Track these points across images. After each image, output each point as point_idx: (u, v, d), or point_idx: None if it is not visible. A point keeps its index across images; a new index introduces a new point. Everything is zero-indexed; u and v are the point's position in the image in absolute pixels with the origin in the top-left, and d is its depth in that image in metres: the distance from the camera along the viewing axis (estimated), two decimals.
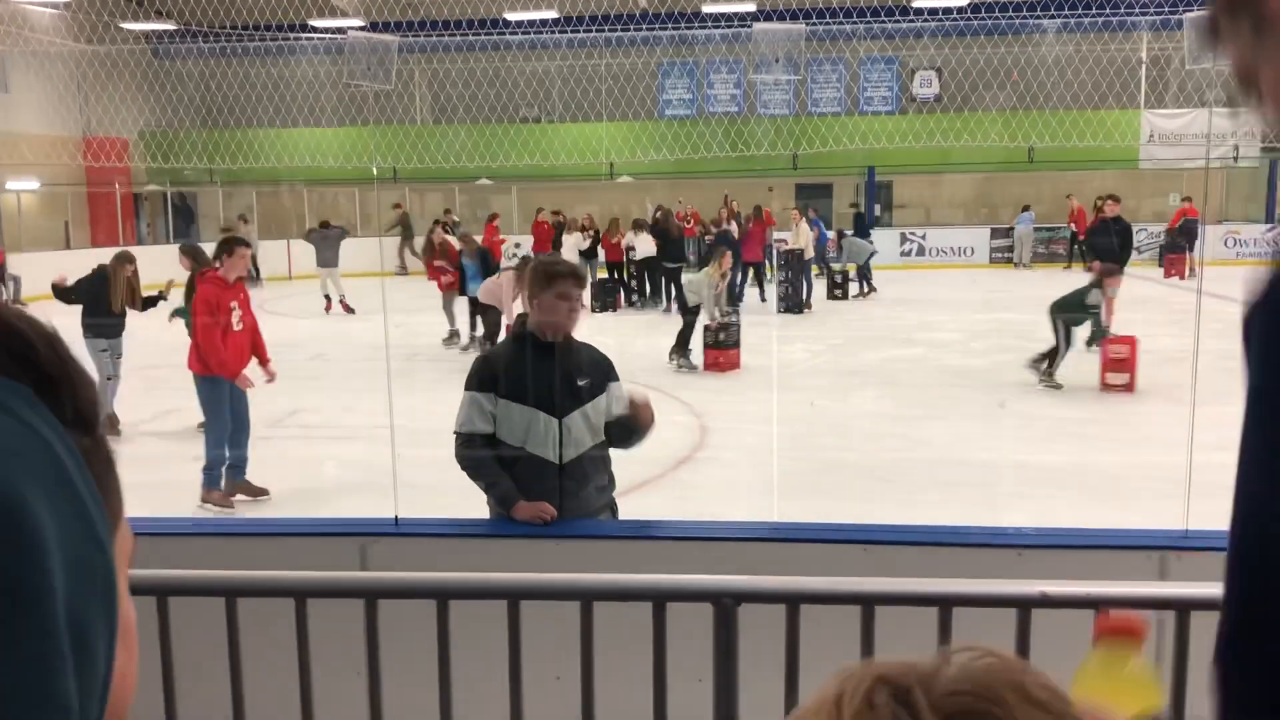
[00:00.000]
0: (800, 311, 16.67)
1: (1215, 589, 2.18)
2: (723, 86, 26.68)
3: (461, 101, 26.31)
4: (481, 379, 3.66)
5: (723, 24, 22.29)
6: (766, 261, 18.79)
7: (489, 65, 25.90)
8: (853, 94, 26.75)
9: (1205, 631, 2.13)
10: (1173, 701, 2.12)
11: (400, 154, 23.53)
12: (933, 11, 23.48)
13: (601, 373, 3.69)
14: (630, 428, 3.69)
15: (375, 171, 25.01)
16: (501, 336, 10.41)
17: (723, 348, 11.97)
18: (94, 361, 9.12)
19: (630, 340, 13.79)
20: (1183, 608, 2.12)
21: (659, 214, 19.37)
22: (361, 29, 21.32)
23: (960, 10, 23.29)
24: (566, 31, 22.67)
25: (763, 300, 17.98)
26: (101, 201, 25.25)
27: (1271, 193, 26.70)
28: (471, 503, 3.79)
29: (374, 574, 2.82)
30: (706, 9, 24.36)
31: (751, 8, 23.35)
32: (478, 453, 3.63)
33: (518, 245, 20.39)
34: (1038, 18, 20.43)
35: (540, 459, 3.57)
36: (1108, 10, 19.04)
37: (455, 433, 3.65)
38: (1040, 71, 23.35)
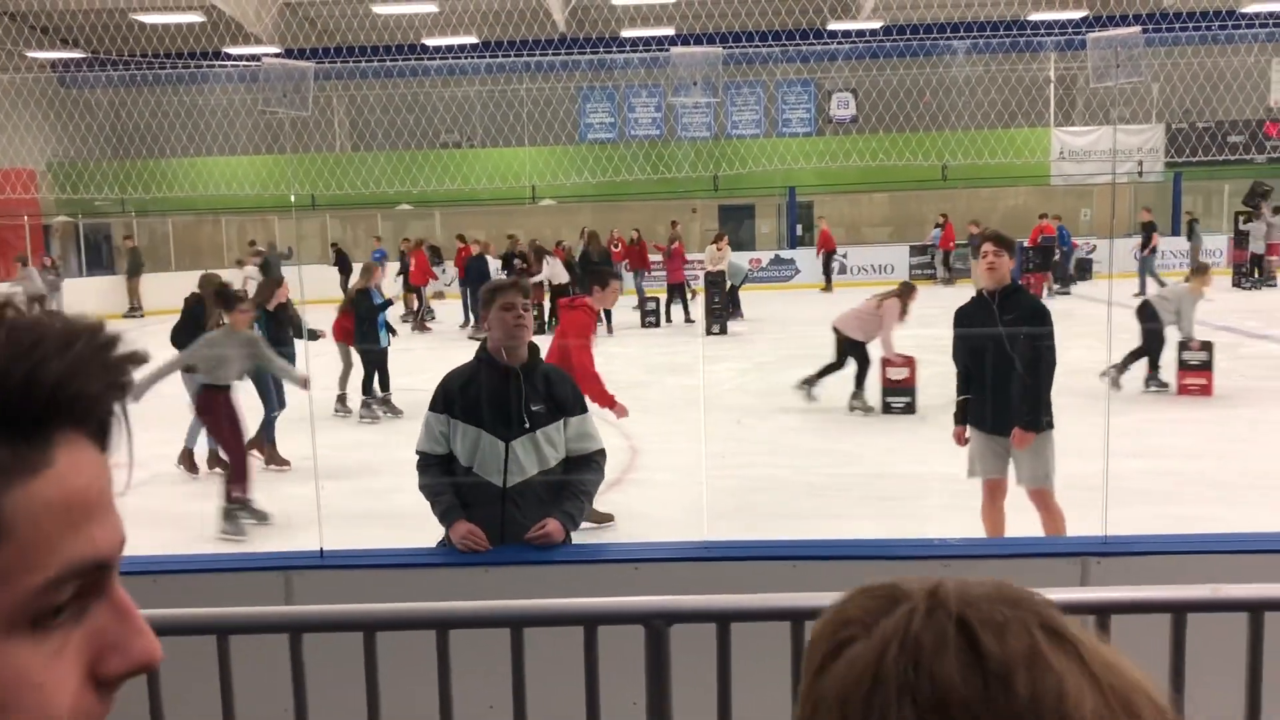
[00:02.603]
0: (725, 331, 16.80)
1: (1134, 592, 2.24)
2: (643, 110, 26.89)
3: (380, 127, 26.14)
4: (436, 399, 3.68)
5: (641, 48, 22.48)
6: (687, 284, 18.87)
7: (408, 91, 25.76)
8: (771, 116, 27.14)
9: (1125, 634, 2.19)
10: None
11: (319, 181, 23.27)
12: (847, 34, 23.94)
13: (561, 402, 3.66)
14: (579, 468, 3.69)
15: (294, 199, 24.70)
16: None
17: None
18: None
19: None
20: (1103, 611, 2.16)
21: (585, 239, 19.43)
22: (277, 56, 21.07)
23: (874, 33, 23.78)
24: (485, 56, 22.67)
25: (688, 321, 18.09)
26: (8, 234, 24.54)
27: (1177, 206, 27.62)
28: (398, 533, 3.75)
29: (298, 608, 2.77)
30: (626, 34, 24.55)
31: (670, 31, 23.58)
32: (427, 473, 3.66)
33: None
34: (948, 39, 20.95)
35: (485, 482, 3.56)
36: (1015, 31, 19.59)
37: (416, 452, 3.69)
38: (952, 92, 23.93)
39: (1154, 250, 20.53)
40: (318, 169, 23.85)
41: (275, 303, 9.45)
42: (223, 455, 7.73)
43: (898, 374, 10.45)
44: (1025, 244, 23.31)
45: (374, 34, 25.42)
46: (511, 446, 3.56)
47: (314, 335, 9.99)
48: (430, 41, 23.89)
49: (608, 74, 26.13)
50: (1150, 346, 10.93)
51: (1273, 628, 2.12)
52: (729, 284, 17.95)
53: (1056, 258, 21.45)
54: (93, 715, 0.60)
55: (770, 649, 2.13)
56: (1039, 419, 5.23)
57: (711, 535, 3.70)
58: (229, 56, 21.52)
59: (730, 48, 19.27)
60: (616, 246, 20.77)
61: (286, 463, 8.87)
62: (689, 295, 18.84)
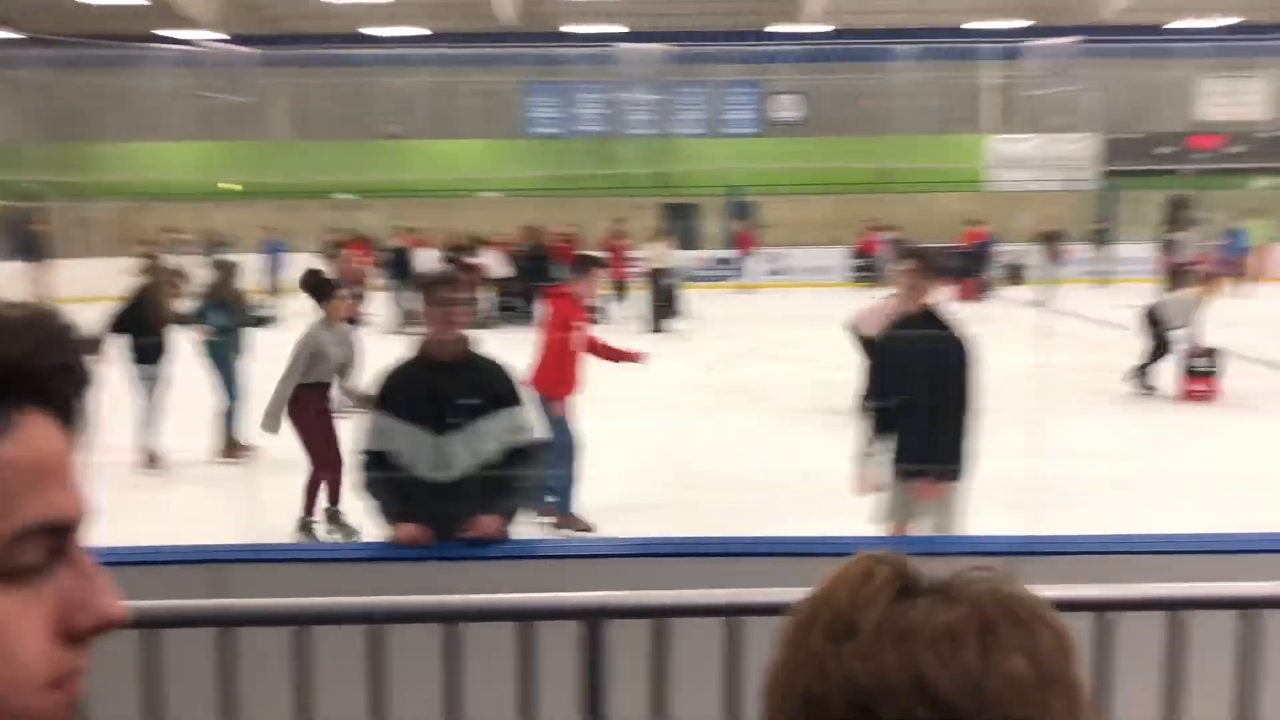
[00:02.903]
0: (666, 330, 16.85)
1: (1058, 591, 2.29)
2: (589, 106, 26.86)
3: (319, 116, 25.80)
4: (373, 397, 3.68)
5: (584, 44, 22.48)
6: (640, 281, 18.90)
7: (352, 81, 25.47)
8: (715, 116, 27.25)
9: None
10: None
11: (258, 169, 22.91)
12: (791, 36, 24.15)
13: (496, 394, 3.63)
14: (518, 459, 3.68)
15: (233, 187, 24.29)
16: None
17: None
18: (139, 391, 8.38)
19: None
20: None
21: (528, 234, 19.37)
22: (218, 42, 20.72)
23: (818, 36, 24.01)
24: (429, 47, 22.50)
25: (627, 319, 18.12)
26: None
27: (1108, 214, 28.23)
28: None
29: (228, 601, 2.73)
30: (573, 29, 24.51)
31: (618, 29, 23.60)
32: (366, 471, 3.64)
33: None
34: (890, 45, 21.21)
35: (421, 479, 3.55)
36: (955, 39, 19.92)
37: (355, 451, 3.70)
38: (892, 97, 24.22)
39: (1057, 255, 20.81)
40: (256, 157, 23.48)
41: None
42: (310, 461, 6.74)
43: None
44: (955, 247, 23.68)
45: (319, 22, 25.09)
46: (445, 441, 3.54)
47: (265, 321, 9.84)
48: (375, 31, 23.65)
49: (554, 69, 26.06)
50: (1157, 351, 10.97)
51: (1192, 626, 2.18)
52: (670, 282, 18.01)
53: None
54: (63, 667, 0.67)
55: (706, 646, 2.15)
56: (950, 467, 4.63)
57: (651, 531, 3.72)
58: (168, 40, 21.11)
59: (675, 46, 19.34)
60: (567, 243, 20.68)
61: (247, 449, 8.68)
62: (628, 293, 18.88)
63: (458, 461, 3.56)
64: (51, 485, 0.65)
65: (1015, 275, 24.03)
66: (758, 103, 27.65)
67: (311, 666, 2.22)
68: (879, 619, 0.71)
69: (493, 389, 3.64)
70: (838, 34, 23.89)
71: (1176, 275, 22.80)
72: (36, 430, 0.65)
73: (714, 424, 10.31)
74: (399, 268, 17.62)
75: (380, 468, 3.63)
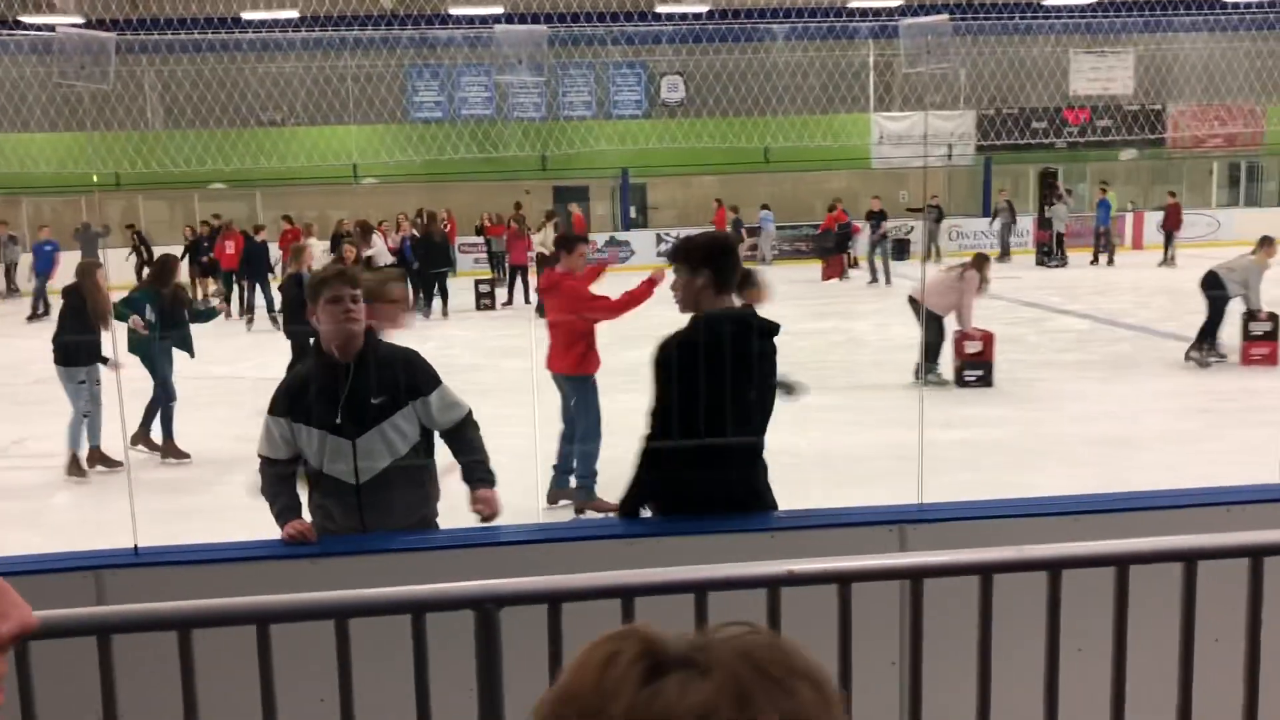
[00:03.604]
0: None
1: (943, 556, 2.35)
2: (473, 89, 26.52)
3: (191, 103, 24.92)
4: (275, 402, 3.56)
5: (465, 25, 22.16)
6: (531, 266, 18.83)
7: (227, 67, 24.66)
8: (603, 98, 27.19)
9: (938, 596, 2.30)
10: (910, 661, 2.27)
11: (125, 159, 22.03)
12: (671, 17, 24.18)
13: (404, 385, 3.54)
14: (461, 438, 3.64)
15: (96, 179, 23.33)
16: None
17: None
18: (70, 394, 8.04)
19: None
20: (916, 575, 2.27)
21: (420, 219, 19.12)
22: (78, 26, 19.81)
23: (698, 16, 24.09)
24: (301, 30, 21.89)
25: (527, 302, 18.01)
26: None
27: (987, 188, 29.07)
28: (229, 526, 3.62)
29: (105, 608, 2.63)
30: (454, 10, 24.12)
31: (499, 10, 23.30)
32: (264, 477, 3.56)
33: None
34: (768, 24, 21.39)
35: (338, 480, 3.49)
36: (832, 18, 20.21)
37: (257, 455, 3.60)
38: (775, 77, 24.47)
39: (884, 237, 21.31)
40: (123, 147, 22.57)
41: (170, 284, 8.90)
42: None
43: (974, 347, 10.44)
44: (819, 230, 24.22)
45: (188, 6, 24.19)
46: (358, 444, 3.47)
47: (210, 315, 9.48)
48: (248, 15, 22.91)
49: (436, 52, 25.64)
50: (1214, 317, 11.06)
51: (1069, 584, 2.26)
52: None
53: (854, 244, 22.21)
54: None
55: (602, 628, 2.15)
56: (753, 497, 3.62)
57: (549, 518, 3.70)
58: (23, 25, 20.12)
59: (557, 27, 19.19)
60: (446, 227, 20.49)
61: (186, 455, 8.59)
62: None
63: (375, 461, 3.49)
64: None
65: (900, 250, 24.66)
66: (644, 84, 27.68)
67: (194, 671, 2.15)
68: (628, 708, 0.67)
69: (402, 381, 3.55)
70: (719, 13, 24.01)
71: (1059, 245, 23.72)
72: None
73: (614, 405, 10.32)
74: (256, 261, 17.10)
75: (279, 474, 3.56)
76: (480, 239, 23.33)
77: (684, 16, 23.92)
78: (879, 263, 20.65)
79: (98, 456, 8.27)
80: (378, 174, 25.55)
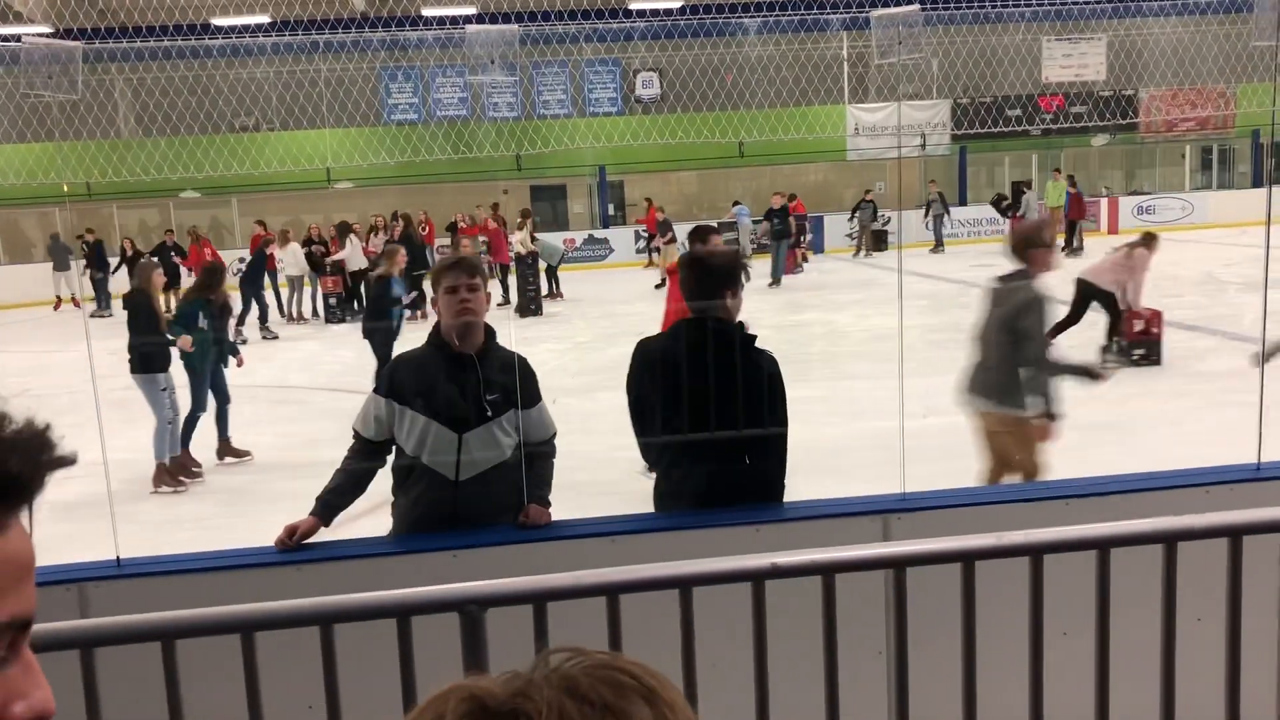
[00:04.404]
0: (540, 313, 16.77)
1: (926, 545, 2.37)
2: (448, 90, 26.44)
3: (162, 111, 24.76)
4: (383, 382, 3.50)
5: (437, 27, 22.07)
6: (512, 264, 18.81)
7: (197, 74, 24.51)
8: (578, 96, 27.16)
9: (921, 584, 2.31)
10: (895, 649, 2.28)
11: (96, 168, 21.87)
12: (643, 14, 24.17)
13: (519, 389, 3.49)
14: (538, 455, 3.58)
15: (66, 189, 23.14)
16: None
17: None
18: (151, 402, 7.96)
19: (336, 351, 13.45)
20: (899, 565, 2.28)
21: (395, 221, 19.06)
22: (45, 36, 19.65)
23: (670, 12, 24.09)
24: (272, 35, 21.77)
25: (505, 303, 17.98)
26: None
27: (963, 177, 29.19)
28: (214, 534, 3.60)
29: (90, 621, 2.61)
30: (427, 12, 24.04)
31: (471, 10, 23.23)
32: (352, 456, 3.52)
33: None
34: (739, 18, 21.39)
35: (436, 473, 3.41)
36: (804, 11, 20.20)
37: (352, 429, 3.54)
38: (745, 70, 24.50)
39: (783, 234, 21.08)
40: (91, 155, 22.40)
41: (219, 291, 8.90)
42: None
43: (1142, 325, 10.63)
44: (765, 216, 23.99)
45: (158, 13, 24.02)
46: (465, 438, 3.39)
47: (235, 350, 9.46)
48: (218, 21, 22.76)
49: (409, 54, 25.55)
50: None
51: (1051, 569, 2.27)
52: (545, 264, 17.95)
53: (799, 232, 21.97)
54: None
55: (588, 627, 2.15)
56: None
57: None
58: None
59: (529, 26, 19.15)
60: (424, 229, 20.44)
61: (247, 453, 8.77)
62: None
63: (479, 459, 3.42)
64: (27, 581, 0.72)
65: (879, 241, 24.75)
66: (620, 81, 27.67)
67: (178, 682, 2.14)
68: None
69: (512, 384, 3.47)
70: (692, 9, 24.02)
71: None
72: (18, 530, 0.71)
73: (594, 405, 10.31)
74: (255, 270, 17.00)
75: (365, 456, 3.52)
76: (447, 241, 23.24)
77: (656, 13, 23.92)
78: (783, 256, 20.04)
79: (178, 466, 8.24)
80: (352, 177, 25.44)
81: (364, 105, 26.03)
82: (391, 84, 26.53)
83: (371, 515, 3.99)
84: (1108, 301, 10.68)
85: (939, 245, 24.23)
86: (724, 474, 3.56)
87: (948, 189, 29.56)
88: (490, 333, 3.56)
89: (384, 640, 2.20)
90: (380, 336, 10.27)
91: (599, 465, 7.98)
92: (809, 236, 23.33)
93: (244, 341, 13.23)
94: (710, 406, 3.51)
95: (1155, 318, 10.77)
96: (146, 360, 8.01)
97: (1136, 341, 10.74)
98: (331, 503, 3.40)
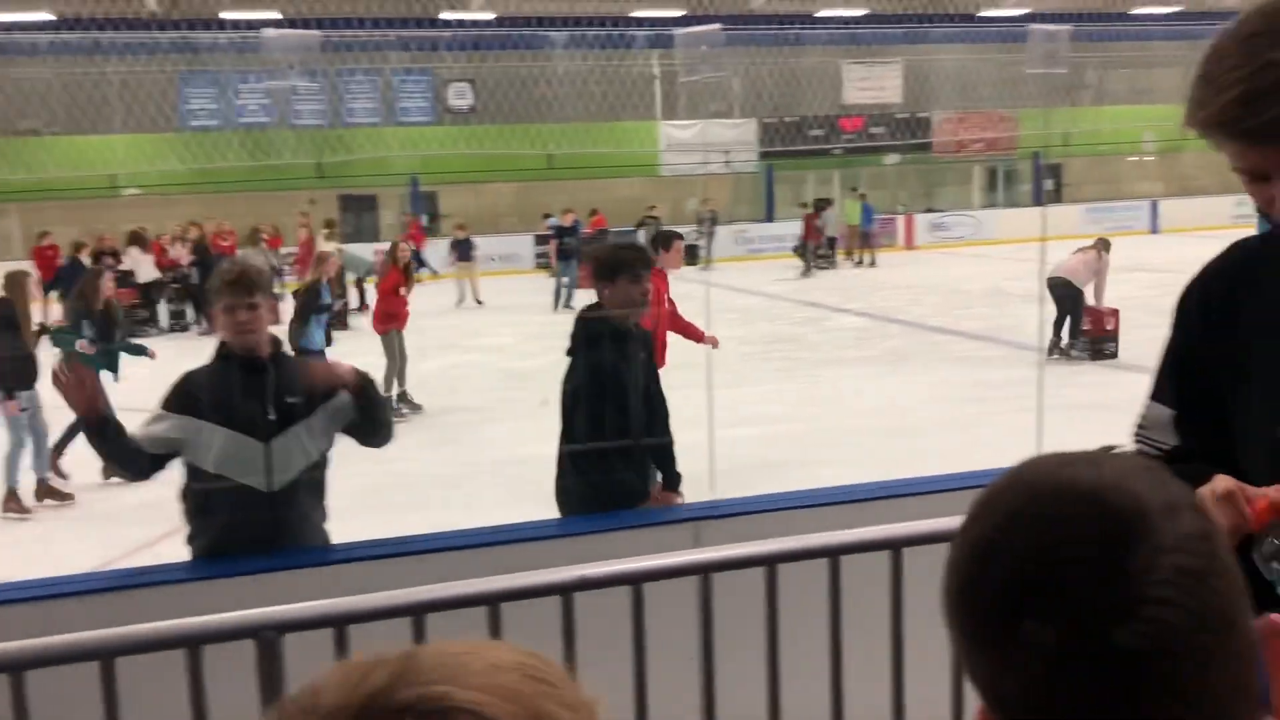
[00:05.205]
0: (346, 326, 16.32)
1: (732, 550, 2.41)
2: (251, 96, 25.47)
3: None
4: (172, 400, 3.29)
5: (233, 30, 21.25)
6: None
7: None
8: (389, 105, 26.66)
9: (728, 588, 2.35)
10: (701, 653, 2.31)
11: None
12: (452, 24, 23.91)
13: (319, 390, 3.38)
14: (369, 419, 3.44)
15: None
16: None
17: None
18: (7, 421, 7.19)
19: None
20: (704, 571, 2.31)
21: (194, 232, 18.28)
22: None
23: (479, 23, 23.93)
24: (56, 34, 20.49)
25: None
26: None
27: (770, 194, 30.14)
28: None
29: None
30: (226, 15, 23.10)
31: (274, 15, 22.47)
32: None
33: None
34: (546, 31, 21.47)
35: (246, 489, 3.23)
36: (609, 26, 20.42)
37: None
38: (554, 84, 24.61)
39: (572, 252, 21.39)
40: None
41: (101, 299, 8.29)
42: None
43: (1113, 323, 11.22)
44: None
45: None
46: (271, 446, 3.25)
47: (142, 351, 8.69)
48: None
49: (207, 58, 24.48)
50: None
51: (848, 569, 2.36)
52: (353, 276, 17.51)
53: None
54: None
55: (392, 648, 2.09)
56: None
57: (338, 538, 3.58)
58: None
59: (333, 33, 18.67)
60: (226, 240, 19.59)
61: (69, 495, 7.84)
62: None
63: (290, 465, 3.28)
64: None
65: (693, 256, 25.20)
66: (432, 91, 27.30)
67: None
68: None
69: (308, 386, 3.38)
70: (503, 21, 23.93)
71: (829, 248, 24.82)
72: None
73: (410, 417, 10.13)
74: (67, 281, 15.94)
75: (194, 478, 3.30)
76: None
77: (465, 23, 23.72)
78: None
79: (45, 490, 7.58)
80: (145, 185, 24.10)
81: (160, 111, 24.77)
82: (190, 89, 25.37)
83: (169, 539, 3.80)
84: (1077, 299, 11.37)
85: (698, 259, 24.17)
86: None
87: (755, 205, 30.48)
88: (276, 341, 3.48)
89: (175, 670, 2.08)
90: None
91: (410, 480, 7.83)
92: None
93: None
94: None
95: (1114, 315, 11.49)
96: (2, 377, 7.39)
97: (1101, 337, 11.45)
98: (114, 423, 3.22)
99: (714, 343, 7.29)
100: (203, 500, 3.33)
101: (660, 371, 4.90)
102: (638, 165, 27.21)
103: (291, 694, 0.67)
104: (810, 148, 28.73)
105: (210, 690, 2.07)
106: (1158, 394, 1.63)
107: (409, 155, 24.73)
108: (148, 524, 6.38)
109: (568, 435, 4.20)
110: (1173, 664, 0.68)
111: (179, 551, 3.48)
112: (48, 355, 7.56)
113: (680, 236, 8.25)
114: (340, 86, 25.43)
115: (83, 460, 8.12)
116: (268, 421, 3.28)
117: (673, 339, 7.24)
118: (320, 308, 10.05)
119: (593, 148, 23.93)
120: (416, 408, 10.42)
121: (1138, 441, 1.64)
